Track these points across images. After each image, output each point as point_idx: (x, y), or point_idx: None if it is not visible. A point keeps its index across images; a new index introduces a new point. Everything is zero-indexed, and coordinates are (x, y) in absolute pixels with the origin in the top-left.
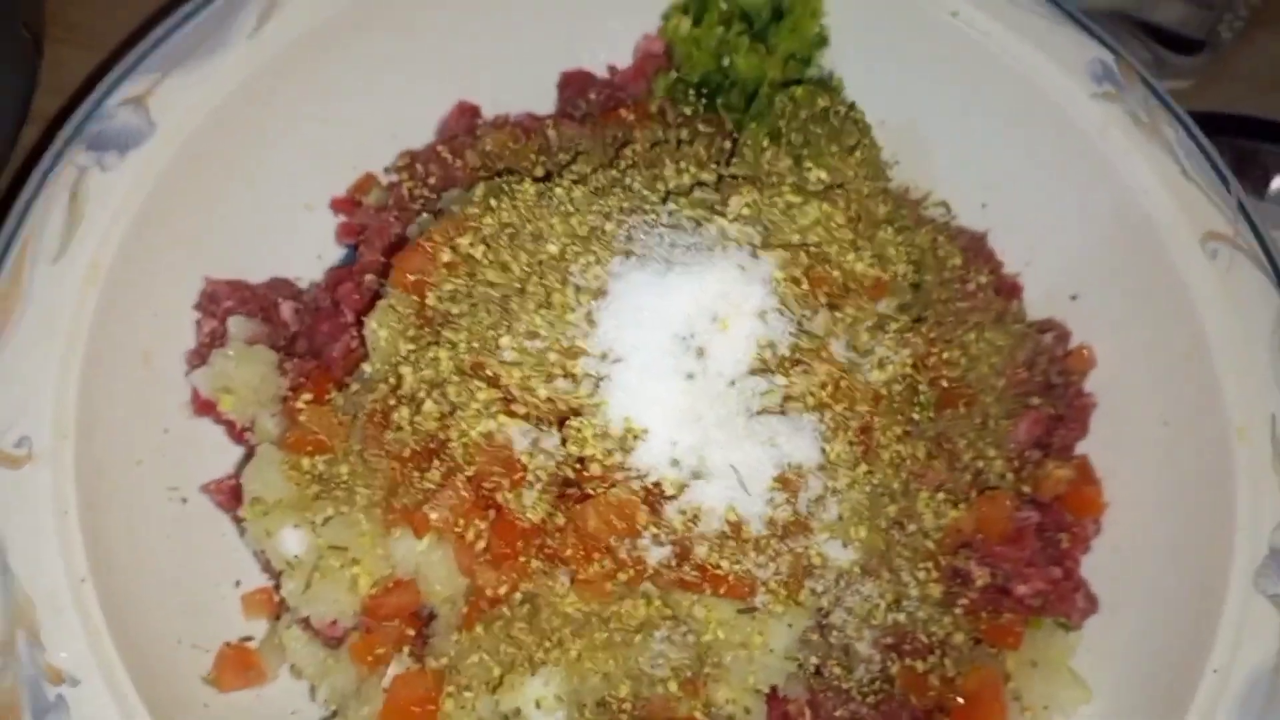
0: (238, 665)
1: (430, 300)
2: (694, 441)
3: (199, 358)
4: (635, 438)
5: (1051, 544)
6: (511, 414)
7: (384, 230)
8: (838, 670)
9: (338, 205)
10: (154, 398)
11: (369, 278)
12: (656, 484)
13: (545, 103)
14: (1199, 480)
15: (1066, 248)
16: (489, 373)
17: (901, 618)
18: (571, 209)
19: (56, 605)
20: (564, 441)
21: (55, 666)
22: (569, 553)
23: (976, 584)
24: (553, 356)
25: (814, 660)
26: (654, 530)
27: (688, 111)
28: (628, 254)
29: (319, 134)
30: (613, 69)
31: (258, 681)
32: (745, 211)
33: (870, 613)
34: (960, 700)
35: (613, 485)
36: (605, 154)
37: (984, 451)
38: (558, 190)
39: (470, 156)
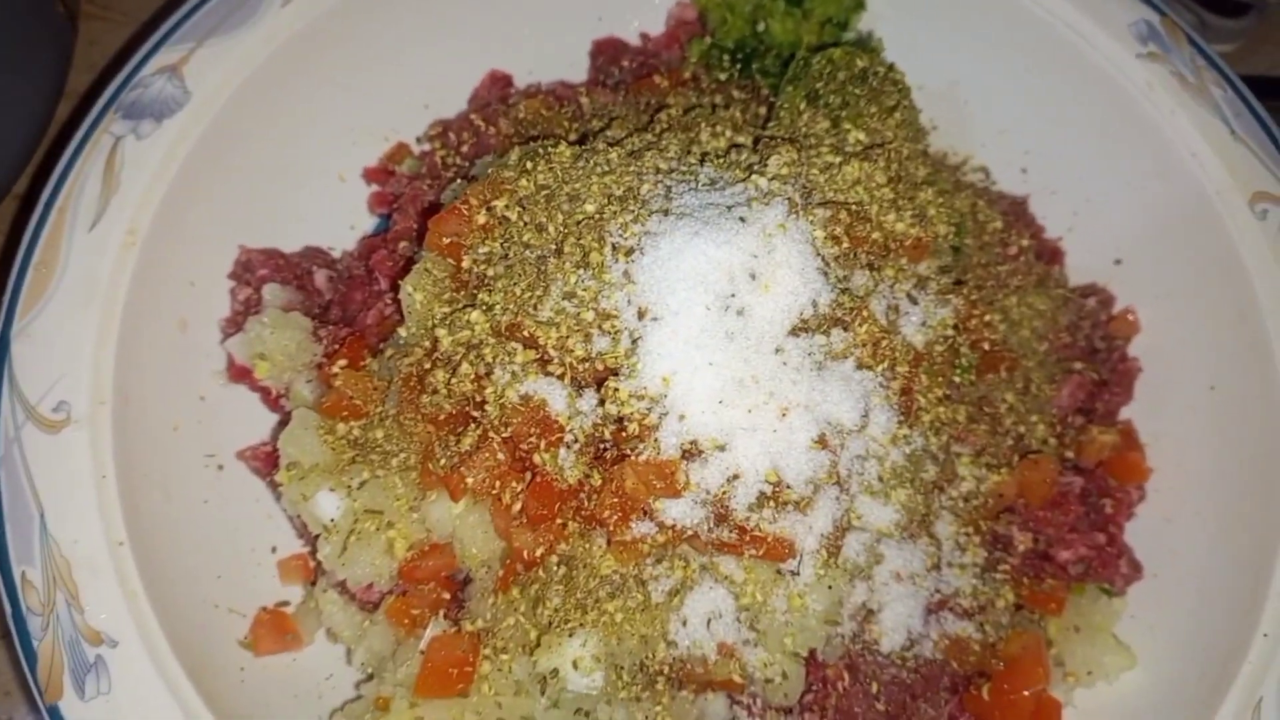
0: (274, 629)
1: (466, 263)
2: (734, 401)
3: (234, 325)
4: (673, 397)
5: (1095, 510)
6: (548, 374)
7: (417, 197)
8: (877, 634)
9: (371, 175)
10: (190, 365)
11: (403, 245)
12: (694, 443)
13: (578, 71)
14: (1247, 444)
15: (1109, 212)
16: (526, 333)
17: (942, 582)
18: (608, 169)
19: (94, 568)
20: (602, 402)
21: (94, 628)
22: (606, 514)
23: (1018, 549)
24: (589, 315)
25: (853, 625)
26: (692, 491)
27: (722, 77)
28: (666, 213)
29: (351, 105)
30: (645, 36)
31: (294, 646)
32: (784, 171)
33: (911, 577)
34: (1001, 665)
35: (651, 445)
36: (639, 120)
37: (1026, 416)
38: (594, 152)
39: (503, 124)
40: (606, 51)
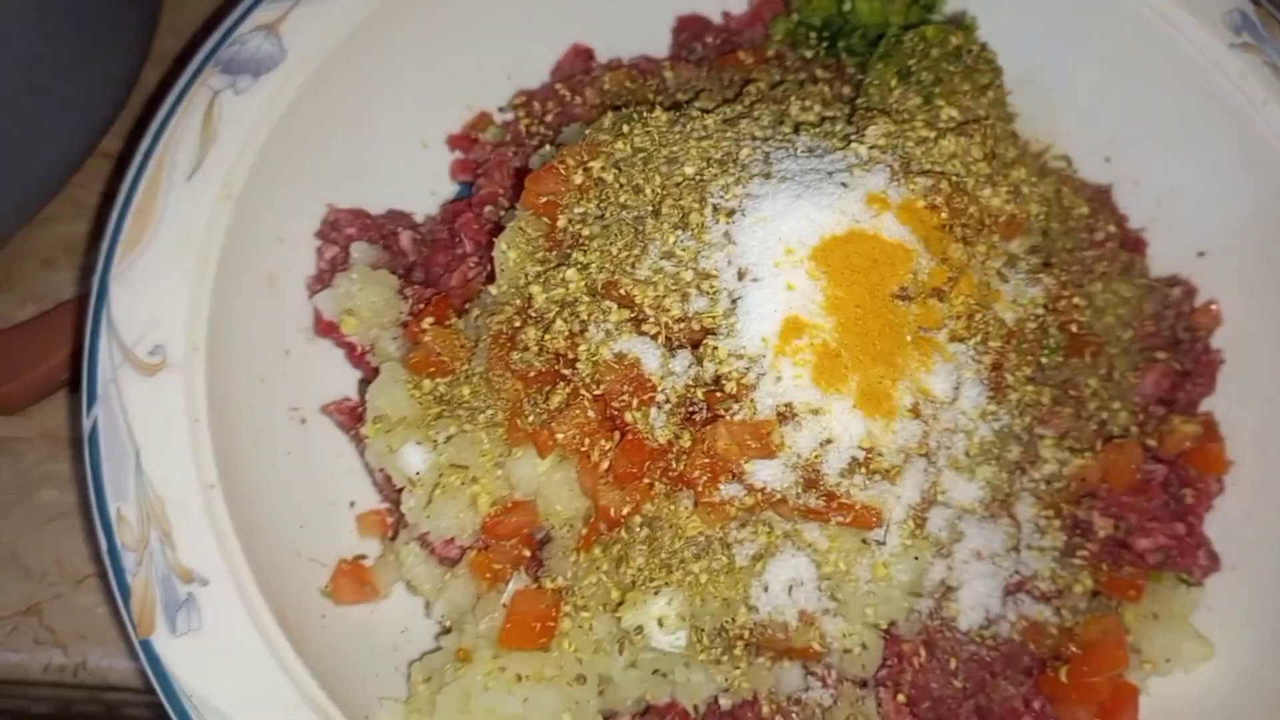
0: (353, 580)
1: (561, 222)
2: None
3: (320, 282)
4: (771, 358)
5: (1175, 499)
6: (642, 334)
7: (503, 163)
8: (954, 612)
9: (454, 142)
10: (277, 319)
11: (488, 209)
12: (789, 406)
13: (659, 47)
14: None
15: (1195, 203)
16: (622, 292)
17: (1021, 564)
18: (704, 134)
19: (187, 508)
20: (699, 360)
21: (186, 566)
22: (696, 474)
23: (1098, 535)
24: (688, 275)
25: (930, 601)
26: (785, 453)
27: (808, 55)
28: (766, 176)
29: (436, 72)
30: (727, 15)
31: (372, 597)
32: (882, 141)
33: (991, 556)
34: (1078, 650)
35: (747, 406)
36: (725, 94)
37: (1109, 403)
38: (689, 118)
39: (589, 94)
40: (689, 28)
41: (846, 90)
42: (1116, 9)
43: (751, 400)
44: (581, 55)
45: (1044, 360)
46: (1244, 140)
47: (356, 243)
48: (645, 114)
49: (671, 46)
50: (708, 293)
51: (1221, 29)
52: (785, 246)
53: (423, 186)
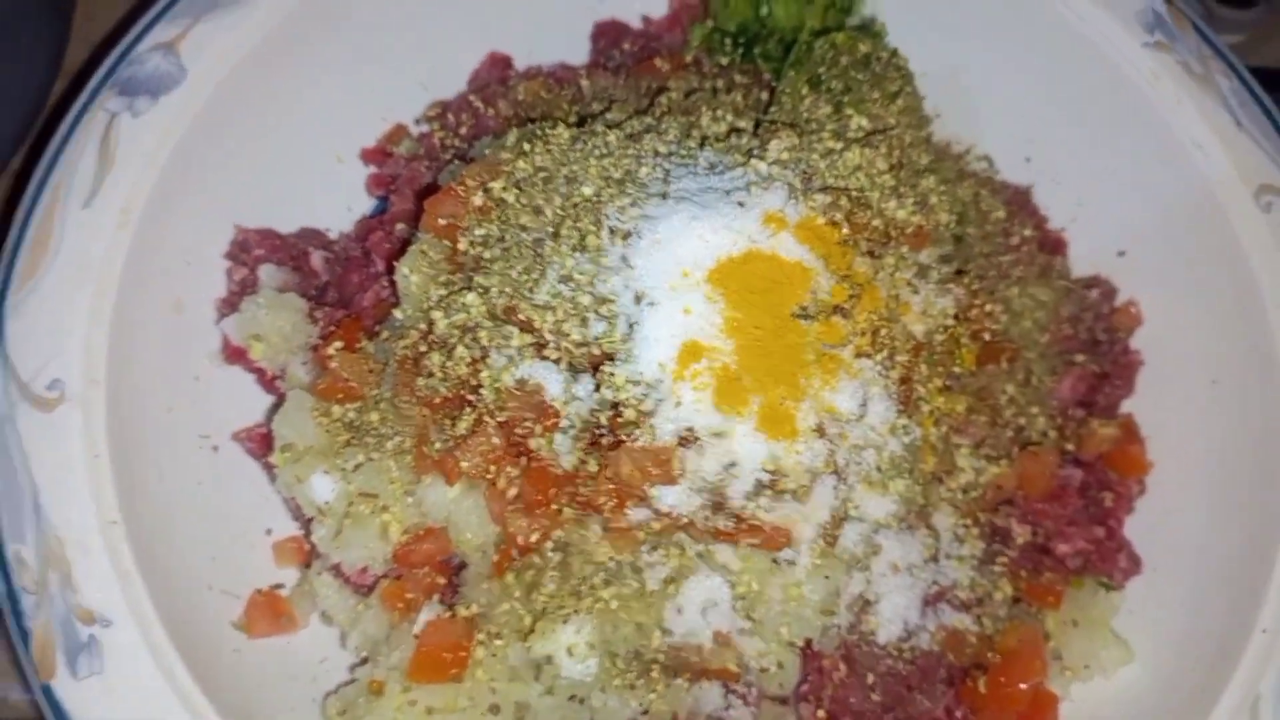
0: (268, 612)
1: (462, 245)
2: None
3: (230, 306)
4: (670, 383)
5: (1094, 503)
6: (544, 359)
7: (415, 179)
8: (874, 625)
9: (368, 156)
10: (185, 345)
11: (400, 227)
12: (691, 430)
13: (578, 54)
14: (1249, 439)
15: (1114, 203)
16: (522, 317)
17: (940, 574)
18: (606, 152)
19: (87, 547)
20: (598, 387)
21: (87, 607)
22: (601, 500)
23: (1017, 542)
24: (586, 299)
25: (849, 616)
26: (689, 478)
27: (724, 61)
28: (664, 196)
29: (349, 85)
30: (647, 19)
31: (288, 629)
32: (784, 156)
33: (909, 568)
34: (998, 658)
35: (647, 431)
36: (639, 103)
37: (1026, 408)
38: (592, 134)
39: (503, 106)
40: (608, 34)
41: (764, 96)
42: (1033, 8)
43: (651, 426)
44: (499, 63)
45: (957, 370)
46: (1160, 139)
47: (265, 265)
48: (548, 131)
49: (590, 53)
50: (606, 317)
51: (1135, 28)
52: (681, 269)
53: (339, 202)
